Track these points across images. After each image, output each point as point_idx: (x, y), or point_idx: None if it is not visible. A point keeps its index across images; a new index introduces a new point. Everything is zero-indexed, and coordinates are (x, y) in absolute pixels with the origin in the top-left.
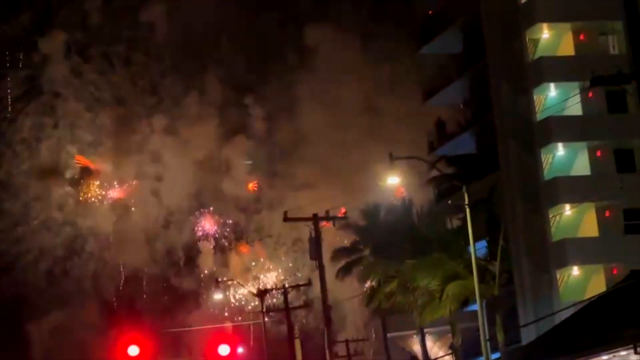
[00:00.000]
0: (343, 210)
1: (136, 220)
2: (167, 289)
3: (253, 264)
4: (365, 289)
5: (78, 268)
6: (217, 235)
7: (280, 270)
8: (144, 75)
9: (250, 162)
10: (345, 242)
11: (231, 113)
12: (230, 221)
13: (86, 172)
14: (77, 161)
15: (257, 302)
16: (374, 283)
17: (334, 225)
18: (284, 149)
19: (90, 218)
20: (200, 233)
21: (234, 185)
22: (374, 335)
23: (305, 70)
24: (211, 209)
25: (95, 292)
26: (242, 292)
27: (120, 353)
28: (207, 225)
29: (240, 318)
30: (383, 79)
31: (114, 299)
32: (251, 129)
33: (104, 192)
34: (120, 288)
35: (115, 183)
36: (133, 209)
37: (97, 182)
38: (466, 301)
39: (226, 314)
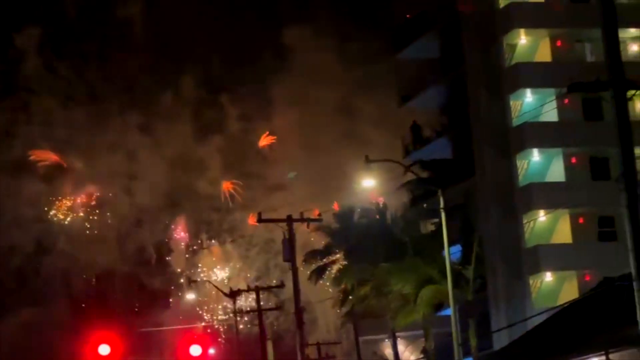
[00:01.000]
0: (317, 212)
1: (108, 218)
2: (138, 288)
3: (226, 268)
4: (338, 291)
5: (49, 266)
6: (188, 243)
7: (251, 272)
8: (119, 73)
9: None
10: (323, 242)
11: (206, 112)
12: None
13: (58, 169)
14: (38, 157)
15: (225, 303)
16: (347, 286)
17: (307, 227)
18: (259, 150)
19: (62, 215)
20: (174, 236)
21: (207, 184)
22: (345, 338)
23: (282, 71)
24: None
25: (66, 290)
26: (214, 292)
27: (90, 352)
28: (181, 232)
29: (207, 316)
30: (360, 81)
31: (85, 297)
32: (226, 128)
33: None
34: (93, 282)
35: (88, 181)
36: (105, 206)
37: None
38: (440, 306)
39: (202, 315)
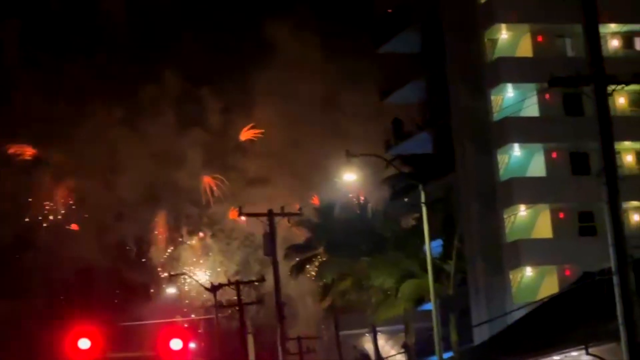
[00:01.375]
0: (297, 206)
1: (88, 212)
2: (118, 282)
3: (207, 256)
4: (319, 286)
5: (28, 260)
6: (168, 237)
7: (231, 266)
8: (100, 66)
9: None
10: (303, 237)
11: (187, 106)
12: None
13: (39, 163)
14: (16, 151)
15: (206, 295)
16: (327, 280)
17: (289, 222)
18: (240, 143)
19: (41, 208)
20: (155, 230)
21: (187, 177)
22: (325, 333)
23: (264, 65)
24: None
25: (46, 284)
26: (194, 285)
27: (70, 346)
28: (161, 227)
29: (185, 310)
30: (342, 75)
31: (64, 291)
32: (207, 122)
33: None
34: (72, 277)
35: (68, 174)
36: (85, 200)
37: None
38: (421, 300)
39: (183, 309)
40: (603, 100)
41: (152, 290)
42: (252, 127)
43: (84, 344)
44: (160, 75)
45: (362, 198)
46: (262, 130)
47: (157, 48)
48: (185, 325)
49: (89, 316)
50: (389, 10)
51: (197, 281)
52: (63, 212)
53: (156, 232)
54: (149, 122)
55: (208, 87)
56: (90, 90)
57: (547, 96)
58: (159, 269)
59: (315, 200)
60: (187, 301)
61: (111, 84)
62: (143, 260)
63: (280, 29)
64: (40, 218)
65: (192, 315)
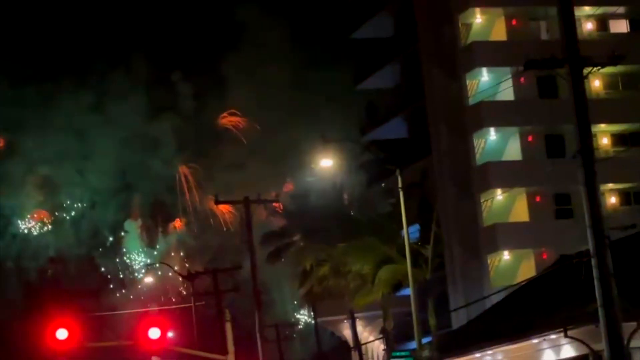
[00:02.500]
0: (273, 194)
1: (61, 200)
2: (93, 271)
3: (183, 243)
4: (296, 273)
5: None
6: (143, 225)
7: (207, 253)
8: (69, 51)
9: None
10: (279, 223)
11: (159, 90)
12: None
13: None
14: None
15: (181, 288)
16: (305, 267)
17: (265, 208)
18: (213, 128)
19: (13, 198)
20: (129, 218)
21: (161, 163)
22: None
23: (235, 50)
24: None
25: (19, 274)
26: (171, 274)
27: (48, 337)
28: (136, 214)
29: (162, 299)
30: (316, 61)
31: (38, 281)
32: (179, 107)
33: None
34: (48, 267)
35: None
36: (58, 189)
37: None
38: (398, 285)
39: (160, 297)
40: (579, 82)
41: (129, 277)
42: (232, 114)
43: (62, 334)
44: (131, 60)
45: (337, 182)
46: (243, 119)
47: (126, 32)
48: (161, 313)
49: (64, 306)
50: None
51: (174, 270)
52: (34, 199)
53: (131, 220)
54: (119, 107)
55: (179, 72)
56: (59, 75)
57: (521, 80)
58: (133, 259)
59: (290, 187)
60: (164, 289)
61: (80, 68)
62: (117, 248)
63: (252, 14)
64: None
65: (173, 302)
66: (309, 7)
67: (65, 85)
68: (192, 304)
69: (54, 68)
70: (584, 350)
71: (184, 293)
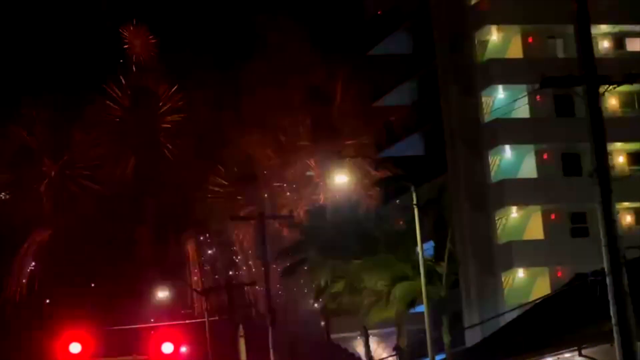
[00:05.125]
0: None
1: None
2: (105, 281)
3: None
4: (311, 288)
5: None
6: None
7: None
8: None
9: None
10: (293, 238)
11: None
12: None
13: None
14: None
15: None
16: (320, 283)
17: (279, 225)
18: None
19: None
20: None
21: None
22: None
23: (253, 61)
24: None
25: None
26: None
27: (61, 350)
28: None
29: (181, 312)
30: (335, 77)
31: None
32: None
33: None
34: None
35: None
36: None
37: None
38: (413, 302)
39: (174, 311)
40: (595, 100)
41: (140, 293)
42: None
43: (75, 348)
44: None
45: (353, 199)
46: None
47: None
48: (176, 328)
49: (78, 319)
50: (379, 12)
51: (188, 285)
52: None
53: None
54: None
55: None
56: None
57: (537, 97)
58: (159, 276)
59: (301, 210)
60: (178, 304)
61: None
62: (129, 258)
63: (270, 26)
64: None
65: (187, 315)
66: (327, 22)
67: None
68: (205, 319)
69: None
70: None
71: (199, 307)
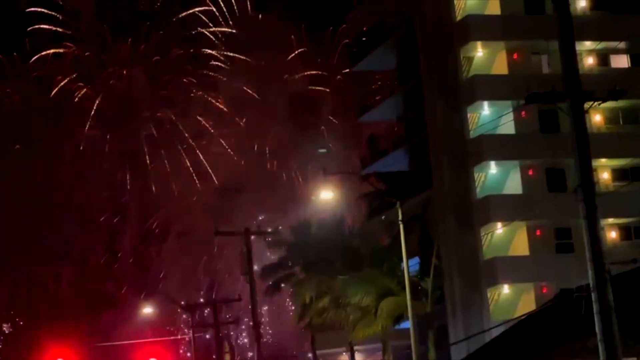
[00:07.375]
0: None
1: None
2: (89, 296)
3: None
4: (296, 304)
5: None
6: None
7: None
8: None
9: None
10: (277, 254)
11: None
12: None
13: None
14: None
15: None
16: (305, 299)
17: (265, 240)
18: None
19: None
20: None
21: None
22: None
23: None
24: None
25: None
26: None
27: None
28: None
29: (167, 328)
30: (319, 92)
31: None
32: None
33: None
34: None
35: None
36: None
37: None
38: (399, 318)
39: (160, 327)
40: (580, 116)
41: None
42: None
43: None
44: None
45: (338, 214)
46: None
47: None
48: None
49: (62, 335)
50: (364, 28)
51: (173, 300)
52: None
53: (122, 243)
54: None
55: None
56: None
57: (522, 113)
58: (145, 292)
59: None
60: (164, 319)
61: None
62: (115, 272)
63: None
64: None
65: (172, 332)
66: (312, 39)
67: None
68: (191, 335)
69: None
70: None
71: (184, 322)
